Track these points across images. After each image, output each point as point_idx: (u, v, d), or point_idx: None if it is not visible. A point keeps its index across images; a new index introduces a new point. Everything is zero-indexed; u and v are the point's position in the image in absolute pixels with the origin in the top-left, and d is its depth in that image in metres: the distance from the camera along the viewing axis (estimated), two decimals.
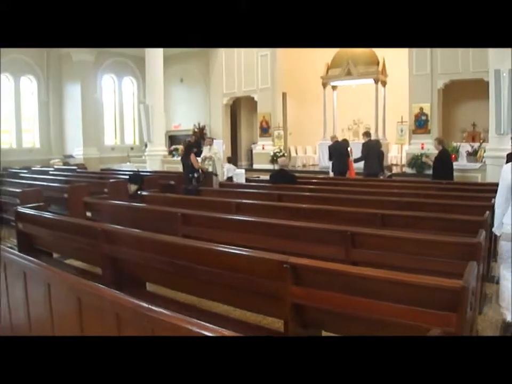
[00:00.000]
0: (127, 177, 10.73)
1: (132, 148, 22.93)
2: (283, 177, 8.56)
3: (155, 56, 17.82)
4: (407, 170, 16.15)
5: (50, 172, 14.57)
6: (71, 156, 21.46)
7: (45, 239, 5.43)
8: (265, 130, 20.07)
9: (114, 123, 24.60)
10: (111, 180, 10.25)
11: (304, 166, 20.54)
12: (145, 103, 17.64)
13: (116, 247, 4.08)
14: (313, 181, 9.21)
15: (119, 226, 4.18)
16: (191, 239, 4.01)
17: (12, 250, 3.74)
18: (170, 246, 3.64)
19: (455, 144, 15.26)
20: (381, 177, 10.69)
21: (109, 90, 24.28)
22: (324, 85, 19.33)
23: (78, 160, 20.99)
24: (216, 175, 10.94)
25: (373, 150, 10.84)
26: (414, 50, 16.20)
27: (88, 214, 6.28)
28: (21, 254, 3.54)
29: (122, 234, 4.04)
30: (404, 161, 16.79)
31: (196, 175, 10.25)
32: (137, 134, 25.33)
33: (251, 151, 22.61)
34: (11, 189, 9.16)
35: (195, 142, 11.27)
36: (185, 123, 23.11)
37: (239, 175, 13.84)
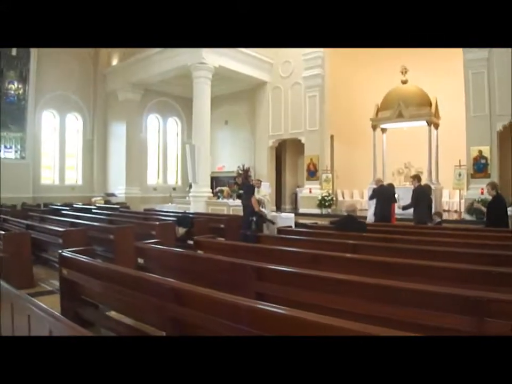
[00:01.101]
0: (175, 219, 10.10)
1: (174, 188, 22.50)
2: (351, 224, 7.68)
3: (203, 96, 17.54)
4: (466, 216, 15.04)
5: (93, 210, 14.05)
6: (113, 194, 21.12)
7: (92, 289, 4.67)
8: (312, 174, 19.32)
9: (158, 163, 24.33)
10: (158, 222, 9.54)
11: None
12: (191, 143, 17.19)
13: (186, 310, 3.28)
14: (384, 228, 8.28)
15: (192, 286, 3.37)
16: (281, 305, 3.15)
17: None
18: (264, 316, 2.81)
19: None
20: (429, 224, 9.80)
21: (153, 130, 24.13)
22: (374, 127, 18.57)
23: (120, 199, 20.66)
24: (273, 223, 10.15)
25: (424, 196, 10.01)
26: (471, 90, 15.57)
27: (140, 260, 5.53)
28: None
29: (197, 296, 3.23)
30: (463, 207, 15.74)
31: (254, 219, 9.49)
32: (179, 174, 25.00)
33: (295, 194, 21.94)
34: (52, 227, 8.55)
35: (251, 184, 10.54)
36: (228, 165, 22.65)
37: (288, 220, 12.95)
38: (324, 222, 12.64)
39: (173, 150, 25.05)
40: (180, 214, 11.16)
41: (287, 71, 20.29)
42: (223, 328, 3.07)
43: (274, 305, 2.93)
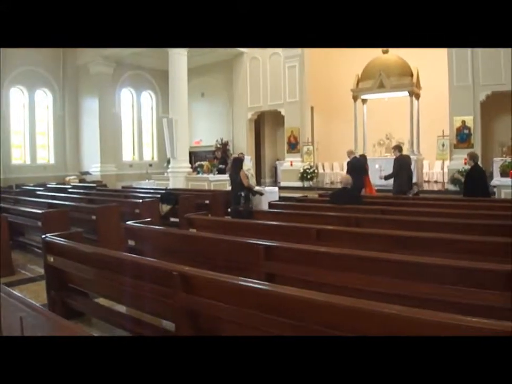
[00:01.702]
0: (158, 196, 9.66)
1: (150, 165, 21.76)
2: (347, 197, 7.38)
3: (179, 68, 16.84)
4: (450, 187, 14.95)
5: (69, 190, 13.45)
6: (87, 173, 20.34)
7: (81, 277, 4.26)
8: (293, 146, 18.94)
9: (133, 139, 23.51)
10: (142, 200, 9.07)
11: (332, 183, 19.38)
12: (168, 117, 16.56)
13: (197, 299, 2.90)
14: (379, 200, 8.00)
15: (202, 271, 2.98)
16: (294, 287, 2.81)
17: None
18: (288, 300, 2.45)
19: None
20: (409, 194, 9.77)
21: (127, 104, 23.24)
22: (355, 98, 18.29)
23: (95, 177, 19.96)
24: (262, 194, 9.79)
25: (405, 166, 9.92)
26: (454, 60, 15.31)
27: (131, 242, 5.10)
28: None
29: (210, 282, 2.85)
30: (446, 177, 15.64)
31: (243, 193, 9.11)
32: (155, 150, 24.28)
33: (275, 167, 21.57)
34: (30, 209, 8.02)
35: (239, 158, 10.11)
36: (206, 139, 22.08)
37: (272, 194, 12.60)
38: (311, 195, 12.33)
39: (148, 125, 24.24)
40: (162, 191, 10.69)
41: None
42: (239, 317, 2.73)
43: (304, 290, 2.58)
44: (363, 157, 12.21)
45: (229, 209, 9.52)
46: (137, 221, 5.49)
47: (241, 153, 15.16)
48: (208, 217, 6.67)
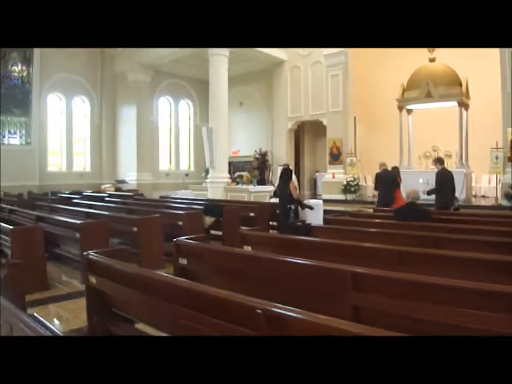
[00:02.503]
0: (201, 207, 9.04)
1: (186, 174, 21.30)
2: (415, 213, 6.61)
3: (220, 75, 16.36)
4: (503, 202, 14.02)
5: (106, 198, 12.97)
6: (123, 181, 19.99)
7: (128, 303, 3.61)
8: (335, 157, 18.19)
9: (169, 148, 23.14)
10: (185, 211, 8.45)
11: (374, 196, 18.49)
12: (208, 126, 16.02)
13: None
14: (446, 217, 7.17)
15: (296, 310, 2.27)
16: None
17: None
18: None
19: None
20: (452, 209, 9.16)
21: (164, 113, 22.90)
22: (400, 108, 17.53)
23: (131, 186, 19.57)
24: (312, 208, 9.09)
25: (448, 180, 9.23)
26: (507, 67, 14.36)
27: (183, 261, 4.44)
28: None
29: (307, 324, 2.14)
30: (500, 192, 14.76)
31: (293, 206, 8.43)
32: (192, 159, 23.84)
33: (314, 179, 20.83)
34: (67, 219, 7.47)
35: (289, 169, 9.42)
36: (244, 149, 21.52)
37: (317, 207, 11.79)
38: (355, 208, 11.56)
39: (185, 134, 23.85)
40: (205, 202, 10.07)
41: (306, 49, 19.02)
42: None
43: None
44: (395, 169, 11.75)
45: (277, 223, 8.81)
46: (189, 236, 4.82)
47: (286, 164, 14.49)
48: (264, 233, 5.97)
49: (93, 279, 3.78)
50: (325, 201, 16.11)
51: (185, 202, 11.50)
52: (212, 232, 9.15)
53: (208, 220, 8.78)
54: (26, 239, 5.97)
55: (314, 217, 9.56)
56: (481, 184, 17.98)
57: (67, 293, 6.02)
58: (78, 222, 6.73)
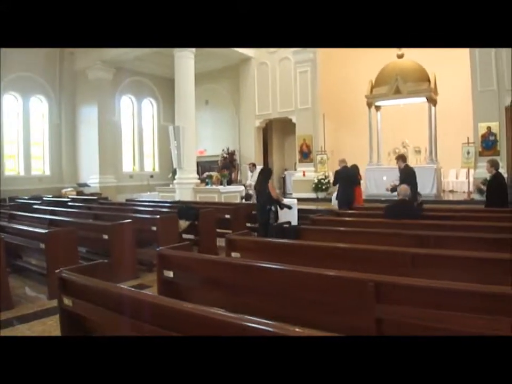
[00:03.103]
0: (175, 211, 8.50)
1: (151, 176, 20.52)
2: (406, 210, 6.27)
3: (186, 72, 15.71)
4: (475, 196, 14.07)
5: (69, 203, 12.22)
6: (85, 184, 19.06)
7: (111, 328, 3.07)
8: (305, 155, 17.85)
9: (133, 149, 22.24)
10: (160, 215, 7.87)
11: (329, 194, 18.31)
12: (174, 125, 15.37)
13: None
14: (433, 214, 6.86)
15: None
16: None
17: None
18: None
19: None
20: (416, 204, 8.82)
21: (127, 112, 22.03)
22: (369, 105, 17.31)
23: (93, 189, 18.72)
24: (290, 207, 8.67)
25: (413, 176, 9.23)
26: (477, 65, 14.48)
27: (168, 273, 3.91)
28: None
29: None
30: (471, 187, 14.85)
31: (273, 208, 7.99)
32: (157, 160, 23.07)
33: (283, 178, 20.43)
34: (30, 228, 6.80)
35: (268, 168, 8.97)
36: (210, 149, 20.95)
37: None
38: (327, 207, 11.24)
39: (148, 134, 23.04)
40: (179, 205, 9.51)
41: None
42: None
43: None
44: (355, 167, 11.58)
45: (258, 226, 8.33)
46: (174, 245, 4.31)
47: (252, 164, 14.06)
48: (253, 238, 5.50)
49: (68, 301, 3.23)
50: (298, 199, 15.83)
51: (154, 205, 10.94)
52: (184, 236, 8.62)
53: (183, 224, 8.24)
54: None
55: (290, 217, 9.19)
56: (449, 179, 18.05)
57: (34, 312, 5.39)
58: (43, 231, 6.08)
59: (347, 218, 7.04)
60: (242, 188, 15.37)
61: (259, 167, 15.92)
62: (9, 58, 17.83)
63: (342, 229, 5.88)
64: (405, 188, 6.58)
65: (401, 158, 9.62)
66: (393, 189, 9.24)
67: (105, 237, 6.57)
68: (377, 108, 17.65)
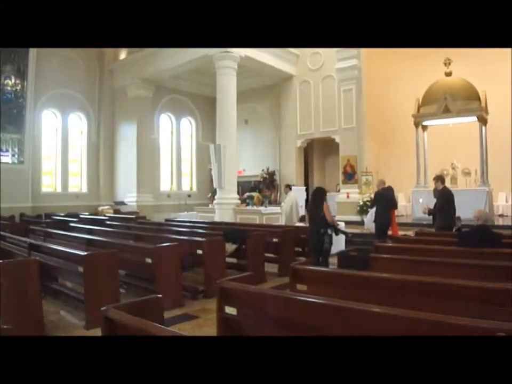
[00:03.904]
0: (222, 234, 7.88)
1: (189, 195, 20.13)
2: (486, 238, 5.48)
3: (228, 89, 15.35)
4: None
5: (107, 222, 11.76)
6: (122, 203, 18.71)
7: None
8: (349, 176, 17.06)
9: (171, 167, 21.88)
10: (207, 238, 7.25)
11: (397, 216, 17.43)
12: (216, 144, 14.88)
13: None
14: None
15: None
16: None
17: None
18: None
19: None
20: (454, 229, 8.42)
21: (165, 131, 21.72)
22: (416, 124, 16.51)
23: (130, 208, 18.34)
24: (347, 234, 7.96)
25: (450, 199, 8.55)
26: None
27: (231, 310, 3.26)
28: None
29: None
30: None
31: (329, 231, 7.27)
32: (194, 180, 22.62)
33: None
34: (68, 249, 6.25)
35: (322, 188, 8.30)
36: (249, 169, 20.36)
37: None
38: (408, 232, 10.46)
39: (186, 153, 22.68)
40: (225, 226, 8.89)
41: (316, 63, 18.06)
42: None
43: None
44: (391, 189, 10.68)
45: (320, 254, 7.61)
46: (236, 276, 3.66)
47: (287, 185, 13.35)
48: (322, 269, 4.80)
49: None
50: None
51: (194, 226, 10.40)
52: (228, 260, 7.98)
53: (230, 248, 7.60)
54: (18, 276, 4.73)
55: (336, 242, 8.50)
56: (499, 203, 16.99)
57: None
58: (81, 253, 5.51)
59: (415, 245, 6.27)
60: None
61: (297, 188, 15.33)
62: (49, 74, 17.83)
63: (418, 258, 5.11)
64: (484, 212, 5.81)
65: (440, 179, 9.01)
66: (430, 213, 8.83)
67: (149, 260, 5.97)
68: (424, 127, 16.90)
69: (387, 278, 4.00)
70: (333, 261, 8.18)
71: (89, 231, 9.48)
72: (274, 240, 8.50)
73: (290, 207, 11.92)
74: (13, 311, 4.59)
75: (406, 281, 3.87)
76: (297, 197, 12.69)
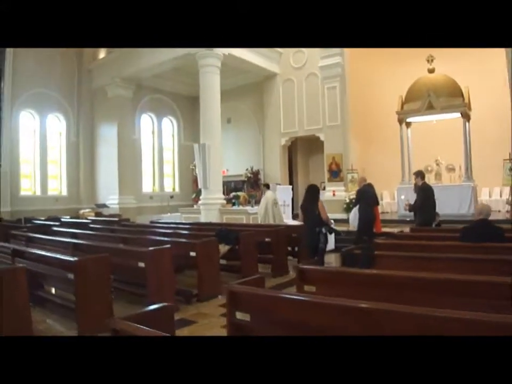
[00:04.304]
0: (215, 234, 7.65)
1: (171, 196, 19.74)
2: (488, 232, 5.35)
3: (212, 88, 15.08)
4: None
5: (90, 225, 11.39)
6: (104, 205, 18.26)
7: None
8: (335, 174, 16.94)
9: (153, 168, 21.51)
10: (200, 240, 6.98)
11: (381, 213, 17.35)
12: (200, 143, 14.60)
13: None
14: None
15: None
16: None
17: None
18: None
19: None
20: (434, 225, 8.58)
21: (147, 131, 21.34)
22: (400, 121, 16.49)
23: (112, 210, 17.89)
24: (339, 233, 7.81)
25: (431, 194, 8.54)
26: None
27: (243, 316, 3.04)
28: None
29: None
30: None
31: (324, 230, 7.09)
32: (177, 180, 22.28)
33: None
34: (56, 255, 5.93)
35: (316, 186, 8.11)
36: (232, 168, 20.08)
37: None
38: (403, 229, 10.37)
39: (168, 153, 22.32)
40: (217, 227, 8.62)
41: (299, 61, 17.92)
42: None
43: None
44: (371, 186, 10.47)
45: (317, 251, 7.40)
46: (245, 280, 3.43)
47: (265, 184, 13.08)
48: (328, 268, 4.60)
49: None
50: None
51: (181, 228, 10.14)
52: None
53: (222, 248, 7.36)
54: (4, 285, 4.42)
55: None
56: (482, 198, 17.03)
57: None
58: (71, 259, 5.20)
59: (416, 242, 6.11)
60: None
61: (282, 187, 15.16)
62: (26, 74, 17.35)
63: (424, 255, 4.95)
64: (486, 207, 5.66)
65: (420, 174, 8.93)
66: (411, 209, 8.80)
67: (141, 264, 5.69)
68: (408, 124, 16.85)
69: (398, 275, 3.82)
70: (328, 259, 8.06)
71: (74, 235, 9.13)
72: (267, 239, 8.28)
73: (265, 207, 11.80)
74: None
75: (418, 279, 3.70)
76: (275, 196, 12.54)
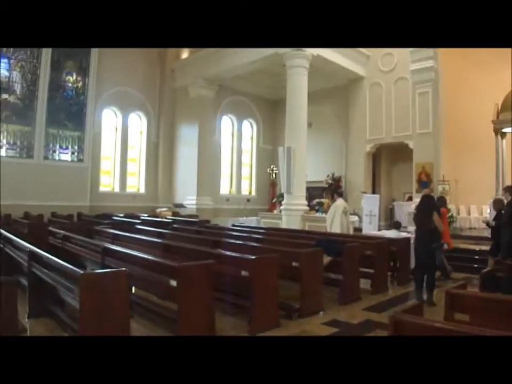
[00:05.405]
0: (316, 244, 6.99)
1: (248, 200, 19.29)
2: None
3: (299, 89, 14.50)
4: None
5: (174, 226, 11.00)
6: (181, 205, 18.04)
7: None
8: (424, 185, 15.76)
9: (231, 171, 21.21)
10: (303, 250, 6.33)
11: (469, 229, 16.12)
12: (285, 146, 14.00)
13: None
14: None
15: None
16: None
17: None
18: None
19: None
20: None
21: (227, 133, 21.05)
22: (496, 131, 15.14)
23: (189, 211, 17.62)
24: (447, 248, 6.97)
25: None
26: None
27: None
28: None
29: None
30: None
31: (446, 246, 6.32)
32: (254, 184, 21.83)
33: (391, 209, 18.42)
34: (160, 260, 5.44)
35: (432, 196, 7.29)
36: (312, 174, 19.33)
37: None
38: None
39: (246, 156, 21.94)
40: (319, 237, 7.97)
41: (388, 64, 16.98)
42: None
43: None
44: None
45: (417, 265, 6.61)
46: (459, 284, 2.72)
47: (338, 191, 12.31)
48: (484, 294, 3.81)
49: None
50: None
51: (268, 234, 9.61)
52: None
53: (325, 260, 6.68)
54: (104, 290, 3.92)
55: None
56: None
57: None
58: (174, 264, 4.67)
59: None
60: (356, 217, 13.77)
61: (369, 196, 14.28)
62: (110, 72, 17.48)
63: None
64: None
65: (509, 190, 7.84)
66: (491, 225, 7.93)
67: (245, 273, 5.10)
68: (503, 135, 15.48)
69: None
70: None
71: (159, 235, 8.75)
72: (369, 252, 7.52)
73: (332, 216, 11.20)
74: (96, 332, 3.81)
75: None
76: (346, 204, 11.77)
